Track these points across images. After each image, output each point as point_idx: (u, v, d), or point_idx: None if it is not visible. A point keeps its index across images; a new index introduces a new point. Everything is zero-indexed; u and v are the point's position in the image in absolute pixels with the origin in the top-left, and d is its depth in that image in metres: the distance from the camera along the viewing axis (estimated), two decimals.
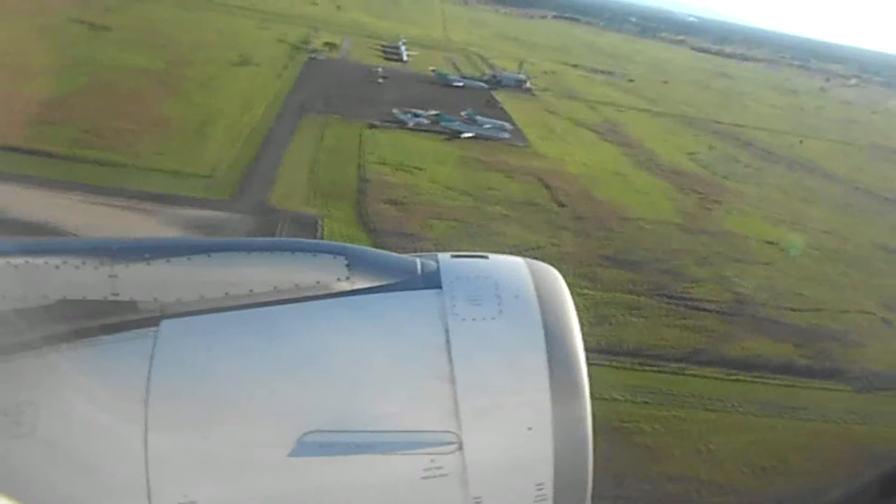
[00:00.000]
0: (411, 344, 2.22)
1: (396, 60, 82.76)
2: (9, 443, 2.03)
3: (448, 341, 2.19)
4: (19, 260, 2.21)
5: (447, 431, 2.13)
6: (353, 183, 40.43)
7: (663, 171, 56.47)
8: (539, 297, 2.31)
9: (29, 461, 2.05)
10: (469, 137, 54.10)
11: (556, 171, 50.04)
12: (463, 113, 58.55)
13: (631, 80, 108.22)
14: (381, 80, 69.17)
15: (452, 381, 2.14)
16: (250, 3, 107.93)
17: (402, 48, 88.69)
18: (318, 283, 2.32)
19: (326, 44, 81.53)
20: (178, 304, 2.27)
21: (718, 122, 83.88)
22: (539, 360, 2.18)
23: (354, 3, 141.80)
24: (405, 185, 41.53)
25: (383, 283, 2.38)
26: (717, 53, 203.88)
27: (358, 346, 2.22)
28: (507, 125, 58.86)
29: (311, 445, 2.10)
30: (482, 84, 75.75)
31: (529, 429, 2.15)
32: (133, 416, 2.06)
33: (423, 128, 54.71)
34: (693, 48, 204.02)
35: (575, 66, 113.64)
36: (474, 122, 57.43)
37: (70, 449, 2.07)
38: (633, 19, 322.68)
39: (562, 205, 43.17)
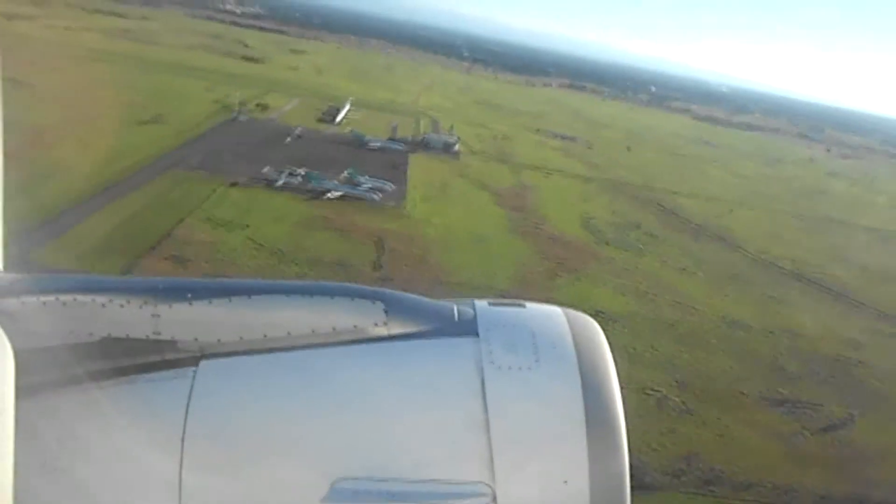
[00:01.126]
0: (447, 391, 2.21)
1: (329, 122, 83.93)
2: (47, 478, 2.05)
3: (484, 390, 2.17)
4: (68, 297, 2.26)
5: (481, 482, 2.10)
6: (153, 238, 40.28)
7: (538, 237, 55.31)
8: (577, 346, 2.27)
9: (66, 497, 2.08)
10: (336, 197, 53.96)
11: (407, 233, 49.42)
12: (345, 172, 58.66)
13: (589, 147, 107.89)
14: (288, 140, 70.01)
15: (487, 430, 2.12)
16: (224, 67, 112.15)
17: (343, 111, 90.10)
18: (355, 327, 2.33)
19: (259, 105, 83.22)
20: (217, 345, 2.30)
21: (651, 189, 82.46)
22: (576, 412, 2.13)
23: (343, 68, 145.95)
24: (212, 242, 41.36)
25: (420, 328, 2.38)
26: (720, 122, 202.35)
27: (393, 393, 2.21)
28: (389, 186, 58.58)
29: (344, 492, 2.09)
30: (400, 146, 76.05)
31: (565, 482, 2.10)
32: (169, 455, 2.09)
33: (292, 187, 54.75)
34: (696, 117, 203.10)
35: (537, 131, 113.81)
36: (353, 181, 57.48)
37: (106, 486, 2.10)
38: (653, 88, 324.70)
39: (378, 267, 42.43)
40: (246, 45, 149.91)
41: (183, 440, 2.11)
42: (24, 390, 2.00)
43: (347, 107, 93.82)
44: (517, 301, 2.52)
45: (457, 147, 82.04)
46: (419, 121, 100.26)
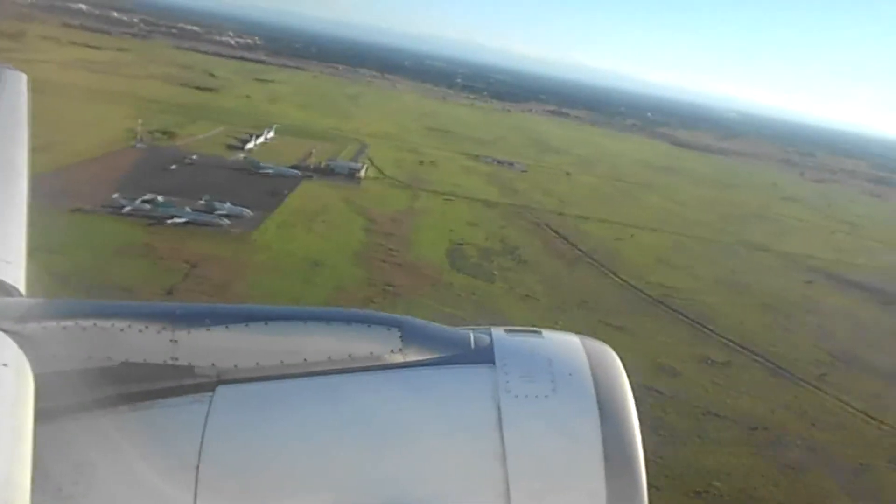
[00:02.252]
0: (463, 420, 2.21)
1: (238, 149, 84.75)
2: (64, 501, 2.06)
3: (500, 419, 2.18)
4: (88, 322, 2.30)
5: None
6: None
7: (384, 263, 54.95)
8: (594, 375, 2.28)
9: None
10: (180, 223, 54.26)
11: (231, 259, 49.57)
12: (202, 199, 59.13)
13: (524, 172, 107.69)
14: (173, 167, 70.80)
15: (504, 460, 2.12)
16: (171, 97, 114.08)
17: (259, 138, 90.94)
18: (371, 354, 2.36)
19: (165, 133, 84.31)
20: (234, 371, 2.32)
21: (559, 215, 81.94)
22: (593, 441, 2.14)
23: (302, 97, 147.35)
24: None
25: (436, 355, 2.40)
26: (700, 148, 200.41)
27: (409, 421, 2.22)
28: (248, 212, 58.89)
29: None
30: (296, 173, 76.46)
31: None
32: (184, 480, 2.10)
33: (140, 213, 55.21)
34: (675, 143, 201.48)
35: (476, 157, 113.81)
36: (208, 208, 57.84)
37: None
38: (649, 114, 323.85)
39: (168, 293, 42.58)
40: (211, 75, 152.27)
41: (198, 466, 2.11)
42: (43, 414, 2.01)
43: (270, 134, 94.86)
44: (534, 329, 2.53)
45: (361, 173, 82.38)
46: (346, 147, 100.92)
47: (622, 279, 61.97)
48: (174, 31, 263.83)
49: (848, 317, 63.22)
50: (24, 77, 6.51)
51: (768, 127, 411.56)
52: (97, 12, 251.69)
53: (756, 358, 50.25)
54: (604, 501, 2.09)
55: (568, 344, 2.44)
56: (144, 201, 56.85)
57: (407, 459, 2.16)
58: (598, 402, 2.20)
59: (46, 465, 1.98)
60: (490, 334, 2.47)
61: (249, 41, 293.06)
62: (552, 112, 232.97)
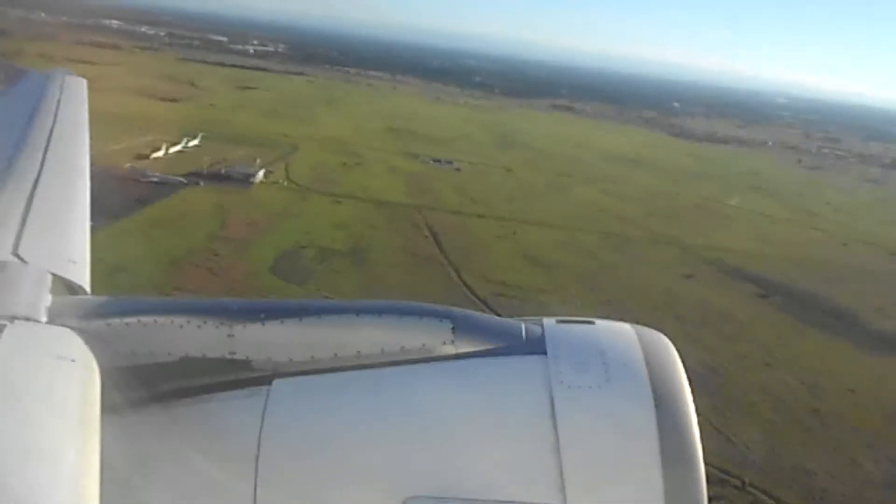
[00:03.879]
0: (515, 411, 2.23)
1: (145, 158, 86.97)
2: (129, 495, 2.14)
3: (553, 410, 2.19)
4: (149, 318, 2.43)
5: None
6: None
7: (200, 268, 55.65)
8: (648, 365, 2.30)
9: None
10: None
11: None
12: None
13: (457, 170, 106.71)
14: None
15: (558, 451, 2.14)
16: (125, 109, 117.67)
17: (176, 146, 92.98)
18: (423, 346, 2.43)
19: None
20: (289, 364, 2.42)
21: (455, 213, 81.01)
22: (649, 433, 2.14)
23: (274, 104, 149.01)
24: None
25: (488, 347, 2.43)
26: (701, 139, 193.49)
27: (462, 412, 2.27)
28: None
29: None
30: (180, 179, 78.03)
31: None
32: (244, 472, 2.18)
33: None
34: (674, 133, 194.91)
35: (415, 157, 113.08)
36: None
37: (184, 503, 2.20)
38: (676, 104, 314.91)
39: None
40: (192, 85, 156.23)
41: (258, 458, 2.20)
42: (108, 408, 2.14)
43: (194, 142, 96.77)
44: (586, 319, 2.58)
45: (256, 178, 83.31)
46: (275, 152, 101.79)
47: (461, 278, 61.06)
48: (196, 42, 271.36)
49: (695, 310, 60.56)
50: (83, 82, 7.41)
51: (815, 111, 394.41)
52: (128, 28, 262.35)
53: None
54: (661, 493, 2.09)
55: (621, 333, 2.46)
56: None
57: (461, 450, 2.20)
58: (654, 391, 2.20)
59: (113, 457, 2.04)
60: (542, 325, 2.50)
61: (271, 48, 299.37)
62: (556, 107, 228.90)
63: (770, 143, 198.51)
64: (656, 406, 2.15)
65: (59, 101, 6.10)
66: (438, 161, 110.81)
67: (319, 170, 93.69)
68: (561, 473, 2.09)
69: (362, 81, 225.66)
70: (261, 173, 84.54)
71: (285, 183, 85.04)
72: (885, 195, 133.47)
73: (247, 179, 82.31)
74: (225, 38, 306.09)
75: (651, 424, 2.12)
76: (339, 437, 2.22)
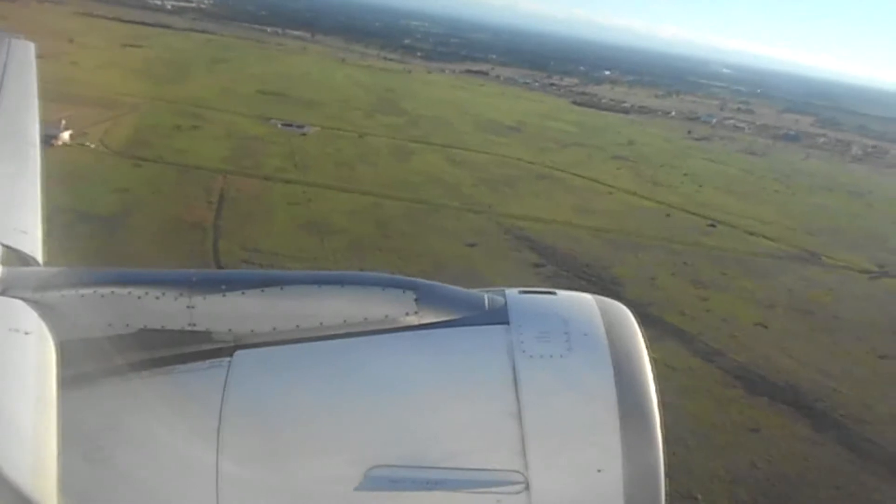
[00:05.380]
0: (478, 380, 2.27)
1: None
2: (88, 467, 2.14)
3: (516, 378, 2.22)
4: (106, 290, 2.38)
5: (514, 471, 2.17)
6: None
7: None
8: (609, 334, 2.34)
9: (106, 485, 2.18)
10: None
11: None
12: None
13: (303, 135, 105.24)
14: None
15: (520, 419, 2.17)
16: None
17: None
18: (386, 316, 2.43)
19: None
20: (251, 336, 2.41)
21: (260, 178, 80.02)
22: (609, 400, 2.18)
23: (148, 64, 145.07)
24: None
25: (451, 317, 2.46)
26: (604, 108, 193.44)
27: (425, 381, 2.28)
28: None
29: (378, 480, 2.16)
30: None
31: (599, 471, 2.17)
32: (206, 443, 2.17)
33: None
34: (580, 102, 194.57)
35: (268, 119, 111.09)
36: None
37: (145, 474, 2.20)
38: (607, 72, 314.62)
39: None
40: (70, 41, 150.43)
41: (219, 429, 2.16)
42: (65, 381, 2.07)
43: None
44: (548, 289, 2.59)
45: (60, 140, 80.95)
46: (111, 112, 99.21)
47: (215, 245, 60.40)
48: None
49: (458, 279, 60.70)
50: (31, 46, 6.80)
51: (757, 84, 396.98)
52: None
53: None
54: (619, 457, 2.11)
55: (582, 303, 2.45)
56: None
57: (424, 419, 2.18)
58: (613, 360, 2.21)
59: (70, 429, 1.98)
60: (504, 295, 2.50)
61: (193, 4, 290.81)
62: (471, 72, 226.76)
63: (673, 113, 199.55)
64: (616, 374, 2.17)
65: (4, 66, 5.78)
66: (290, 125, 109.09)
67: (145, 133, 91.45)
68: (522, 441, 2.12)
69: (272, 42, 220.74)
70: (65, 134, 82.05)
71: (93, 145, 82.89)
72: (752, 167, 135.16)
73: (47, 141, 79.69)
74: None
75: (611, 392, 2.14)
76: (302, 408, 2.22)
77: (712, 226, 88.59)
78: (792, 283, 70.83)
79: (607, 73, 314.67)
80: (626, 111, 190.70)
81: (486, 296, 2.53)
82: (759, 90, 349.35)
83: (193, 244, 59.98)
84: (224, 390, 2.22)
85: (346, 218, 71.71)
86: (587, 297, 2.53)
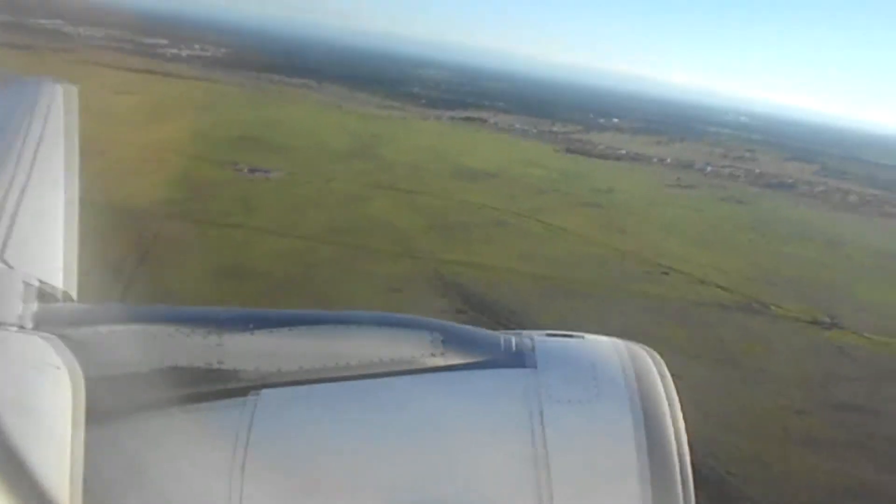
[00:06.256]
0: (504, 424, 2.25)
1: None
2: (116, 502, 2.14)
3: (542, 424, 2.21)
4: (137, 326, 2.43)
5: None
6: None
7: None
8: (638, 381, 2.32)
9: None
10: None
11: None
12: None
13: (267, 179, 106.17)
14: None
15: (547, 466, 2.15)
16: None
17: None
18: (412, 357, 2.45)
19: None
20: (277, 375, 2.42)
21: (200, 222, 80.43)
22: (637, 449, 2.15)
23: (134, 110, 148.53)
24: None
25: (477, 359, 2.46)
26: (600, 155, 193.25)
27: (451, 424, 2.28)
28: None
29: None
30: None
31: None
32: (230, 483, 2.16)
33: None
34: (569, 150, 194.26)
35: (235, 164, 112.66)
36: None
37: None
38: (616, 119, 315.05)
39: None
40: None
41: (244, 469, 2.17)
42: (94, 417, 2.12)
43: None
44: (576, 333, 2.60)
45: None
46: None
47: None
48: (127, 45, 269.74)
49: None
50: (75, 89, 7.31)
51: (771, 132, 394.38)
52: (67, 28, 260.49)
53: None
54: None
55: (611, 348, 2.45)
56: None
57: (448, 463, 2.17)
58: (643, 406, 2.20)
59: (98, 466, 2.02)
60: (532, 338, 2.51)
61: (208, 53, 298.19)
62: (469, 119, 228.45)
63: (668, 160, 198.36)
64: (645, 422, 2.16)
65: (49, 108, 6.08)
66: (255, 171, 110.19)
67: (102, 176, 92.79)
68: (550, 488, 2.09)
69: (274, 89, 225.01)
70: None
71: None
72: (732, 215, 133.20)
73: None
74: (165, 41, 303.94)
75: (640, 440, 2.12)
76: (327, 449, 2.22)
77: (665, 274, 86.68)
78: (727, 334, 68.66)
79: (615, 120, 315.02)
80: (618, 158, 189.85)
81: (513, 339, 2.51)
82: (772, 139, 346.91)
83: None
84: (250, 430, 2.20)
85: (272, 262, 71.54)
86: (618, 342, 2.50)
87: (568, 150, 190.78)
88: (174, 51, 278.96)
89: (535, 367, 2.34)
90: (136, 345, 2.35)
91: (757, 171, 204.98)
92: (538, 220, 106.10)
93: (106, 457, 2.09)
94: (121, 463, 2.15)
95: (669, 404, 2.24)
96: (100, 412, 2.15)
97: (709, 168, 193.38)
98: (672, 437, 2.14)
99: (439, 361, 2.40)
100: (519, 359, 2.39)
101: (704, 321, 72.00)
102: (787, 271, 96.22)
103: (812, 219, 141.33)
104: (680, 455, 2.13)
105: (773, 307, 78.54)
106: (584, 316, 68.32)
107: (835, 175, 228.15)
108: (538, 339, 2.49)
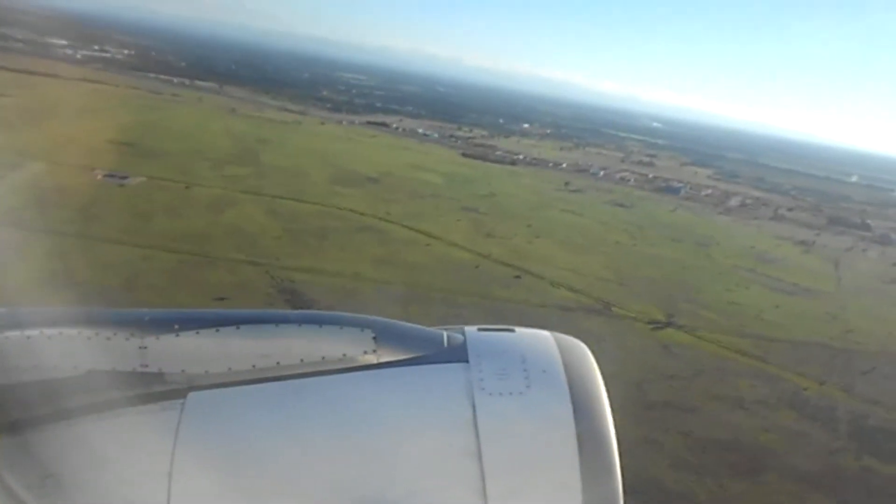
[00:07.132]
0: (438, 419, 2.21)
1: None
2: None
3: (475, 416, 2.18)
4: (54, 331, 2.22)
5: None
6: None
7: None
8: (567, 371, 2.32)
9: None
10: None
11: None
12: None
13: (121, 185, 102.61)
14: None
15: (480, 457, 2.13)
16: None
17: None
18: (344, 355, 2.37)
19: None
20: (205, 377, 2.26)
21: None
22: (568, 438, 2.16)
23: None
24: None
25: (410, 356, 2.39)
26: (498, 160, 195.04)
27: (384, 421, 2.20)
28: None
29: None
30: None
31: None
32: (156, 489, 2.04)
33: None
34: (467, 154, 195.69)
35: (92, 169, 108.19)
36: None
37: None
38: (527, 125, 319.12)
39: None
40: None
41: (171, 473, 2.06)
42: (7, 426, 2.07)
43: None
44: (507, 327, 2.58)
45: None
46: None
47: None
48: (21, 45, 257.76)
49: None
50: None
51: (681, 137, 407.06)
52: None
53: None
54: (579, 495, 2.12)
55: (540, 340, 2.49)
56: None
57: (382, 460, 2.12)
58: (572, 397, 2.20)
59: (13, 477, 1.92)
60: (463, 333, 2.50)
61: (108, 55, 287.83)
62: (371, 123, 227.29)
63: (564, 165, 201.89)
64: (575, 411, 2.19)
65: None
66: (112, 175, 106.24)
67: None
68: (483, 478, 2.12)
69: (168, 92, 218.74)
70: None
71: None
72: (611, 219, 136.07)
73: None
74: (64, 42, 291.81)
75: (570, 428, 2.16)
76: (257, 451, 2.16)
77: (518, 277, 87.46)
78: None
79: (526, 125, 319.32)
80: (513, 163, 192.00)
81: (444, 334, 2.52)
82: (677, 143, 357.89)
83: None
84: (177, 433, 2.13)
85: (96, 271, 68.51)
86: (545, 333, 2.53)
87: (464, 155, 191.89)
88: (69, 52, 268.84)
89: (467, 361, 2.33)
90: (53, 350, 2.20)
91: (651, 175, 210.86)
92: (405, 225, 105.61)
93: (23, 468, 2.02)
94: (38, 473, 2.05)
95: (598, 394, 2.25)
96: (16, 421, 2.08)
97: (601, 173, 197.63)
98: (602, 426, 2.17)
99: (372, 359, 2.36)
100: (451, 353, 2.38)
101: (542, 323, 72.04)
102: (644, 272, 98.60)
103: (687, 221, 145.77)
104: (608, 444, 2.15)
105: (614, 308, 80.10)
106: (425, 320, 67.88)
107: (728, 179, 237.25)
108: (469, 333, 2.49)
